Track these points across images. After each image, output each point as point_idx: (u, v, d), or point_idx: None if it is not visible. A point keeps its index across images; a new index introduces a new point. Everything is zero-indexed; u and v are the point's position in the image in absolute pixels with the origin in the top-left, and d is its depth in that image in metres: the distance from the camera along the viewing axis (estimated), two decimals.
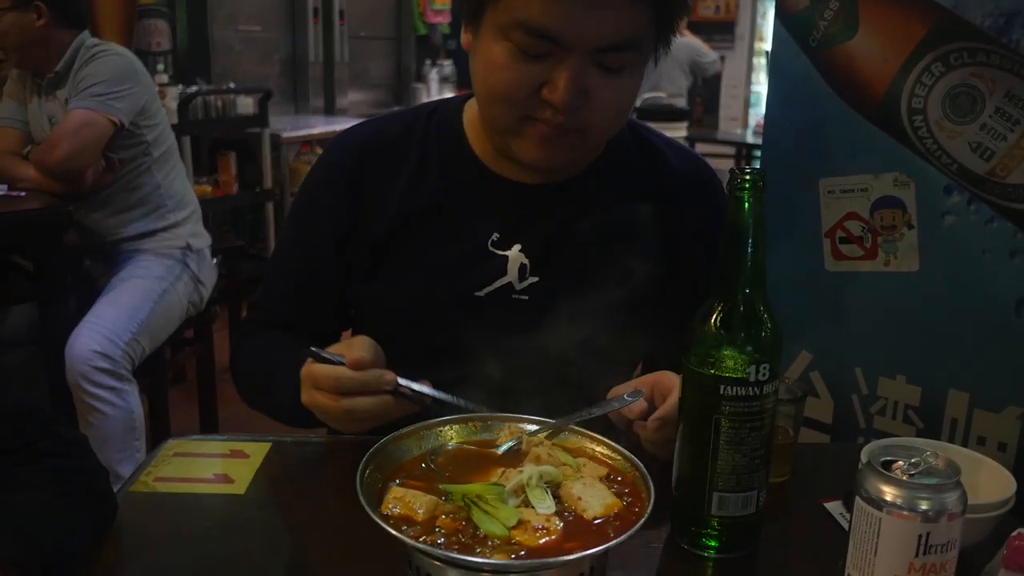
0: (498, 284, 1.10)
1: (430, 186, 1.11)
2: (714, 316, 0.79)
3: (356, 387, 0.89)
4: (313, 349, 0.92)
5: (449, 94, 6.47)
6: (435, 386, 0.93)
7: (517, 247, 1.10)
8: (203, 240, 2.57)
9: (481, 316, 1.10)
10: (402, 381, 0.90)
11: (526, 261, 1.10)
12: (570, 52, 0.95)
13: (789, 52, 1.17)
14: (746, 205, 0.78)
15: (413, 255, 1.11)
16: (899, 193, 1.12)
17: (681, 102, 5.96)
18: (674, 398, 0.88)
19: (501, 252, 1.10)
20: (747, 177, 0.78)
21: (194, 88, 4.16)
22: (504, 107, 1.00)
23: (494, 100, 1.01)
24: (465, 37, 1.05)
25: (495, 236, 1.10)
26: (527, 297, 1.10)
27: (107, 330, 2.17)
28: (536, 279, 1.10)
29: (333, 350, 0.92)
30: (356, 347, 0.92)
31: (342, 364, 0.90)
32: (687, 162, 1.18)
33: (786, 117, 1.20)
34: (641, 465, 0.77)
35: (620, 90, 1.01)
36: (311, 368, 0.93)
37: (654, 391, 0.96)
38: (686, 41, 5.83)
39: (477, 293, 1.10)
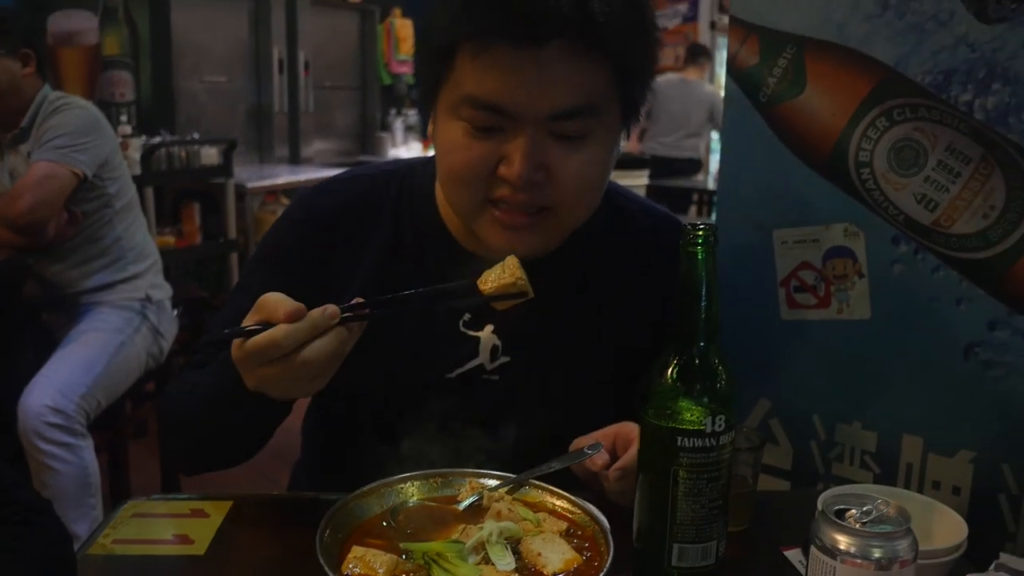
0: (469, 366, 1.07)
1: (404, 263, 1.08)
2: (670, 369, 0.81)
3: (306, 334, 0.80)
4: (228, 331, 0.84)
5: (414, 143, 6.53)
6: (397, 466, 0.90)
7: (489, 328, 1.08)
8: (163, 291, 2.55)
9: (450, 398, 1.06)
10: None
11: (498, 342, 1.07)
12: (522, 124, 0.93)
13: (741, 108, 1.20)
14: (699, 260, 0.80)
15: (382, 332, 1.03)
16: (849, 243, 1.15)
17: (695, 150, 6.17)
18: (635, 448, 0.89)
19: (473, 333, 1.08)
20: (700, 233, 0.80)
21: (158, 139, 4.16)
22: (464, 189, 0.98)
23: (454, 182, 0.99)
24: (429, 127, 1.03)
25: (467, 316, 1.08)
26: (498, 377, 1.08)
27: (61, 384, 2.13)
28: (508, 359, 1.08)
29: (245, 323, 0.83)
30: (271, 304, 0.82)
31: (263, 331, 0.80)
32: (662, 227, 1.15)
33: (740, 170, 1.23)
34: (601, 518, 0.78)
35: (584, 163, 0.96)
36: (244, 348, 0.82)
37: (616, 441, 0.96)
38: (712, 90, 6.10)
39: (448, 375, 1.07)
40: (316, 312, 0.81)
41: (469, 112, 0.94)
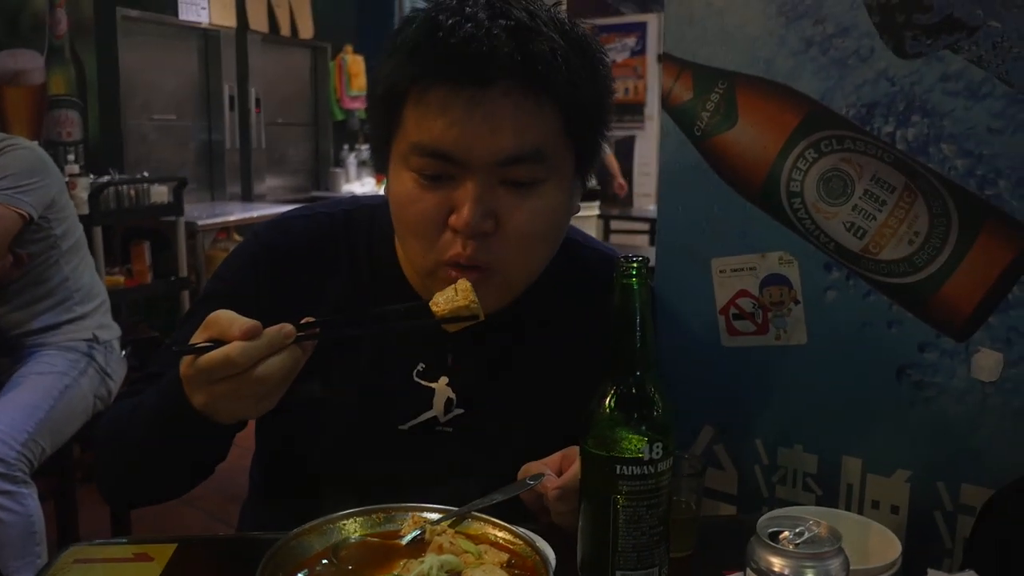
0: (423, 418, 1.06)
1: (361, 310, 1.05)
2: (608, 399, 0.82)
3: (262, 352, 0.79)
4: (176, 347, 0.83)
5: (368, 179, 6.54)
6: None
7: (444, 380, 1.06)
8: (111, 332, 2.52)
9: (402, 450, 1.06)
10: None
11: (452, 395, 1.06)
12: (471, 170, 0.92)
13: (677, 141, 1.24)
14: (633, 291, 0.82)
15: (333, 381, 1.04)
16: (784, 271, 1.18)
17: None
18: (575, 469, 0.89)
19: (427, 384, 1.06)
20: (634, 266, 0.82)
21: (106, 178, 4.11)
22: (419, 245, 0.97)
23: (408, 236, 0.98)
24: (385, 183, 1.02)
25: (420, 366, 1.07)
26: (451, 429, 1.07)
27: (0, 432, 2.09)
28: (462, 411, 1.07)
29: (195, 340, 0.82)
30: (223, 321, 0.81)
31: (214, 348, 0.79)
32: None
33: (677, 202, 1.26)
34: (541, 548, 0.79)
35: (533, 212, 0.95)
36: (197, 364, 0.80)
37: (562, 463, 0.96)
38: None
39: (401, 427, 1.06)
40: (272, 330, 0.80)
41: (417, 161, 0.94)
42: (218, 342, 0.80)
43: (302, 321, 0.84)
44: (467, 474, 1.03)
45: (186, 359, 0.82)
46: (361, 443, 1.06)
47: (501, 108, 0.91)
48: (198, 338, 0.82)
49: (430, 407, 1.07)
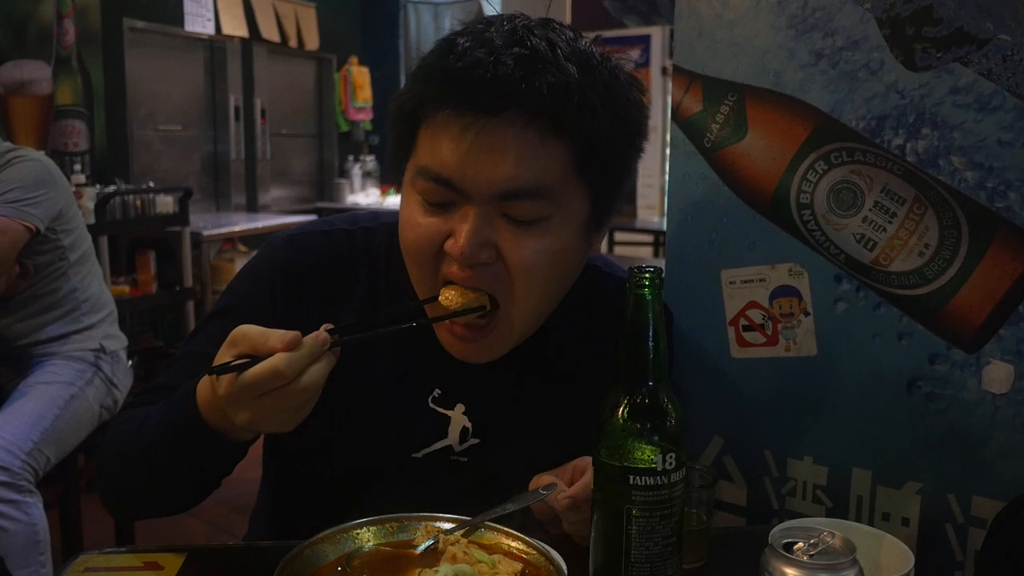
0: (437, 446, 1.05)
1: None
2: (620, 409, 0.82)
3: (306, 361, 0.78)
4: (213, 367, 0.80)
5: (373, 190, 6.55)
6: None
7: (460, 408, 1.05)
8: (118, 342, 2.52)
9: (415, 477, 1.04)
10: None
11: (469, 424, 1.05)
12: (472, 200, 0.90)
13: (686, 153, 1.24)
14: (646, 301, 0.82)
15: (347, 404, 1.03)
16: (794, 282, 1.18)
17: None
18: (587, 478, 0.88)
19: (442, 411, 1.05)
20: (647, 276, 0.82)
21: (112, 188, 4.13)
22: (417, 270, 0.96)
23: (409, 259, 0.97)
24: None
25: (436, 392, 1.05)
26: (466, 459, 1.06)
27: (5, 441, 2.08)
28: (477, 440, 1.06)
29: (219, 360, 0.81)
30: (254, 336, 0.80)
31: (253, 364, 0.78)
32: None
33: (687, 213, 1.26)
34: (556, 558, 0.79)
35: (536, 250, 0.92)
36: (241, 381, 0.78)
37: (574, 474, 0.96)
38: None
39: (414, 455, 1.05)
40: (309, 338, 0.80)
41: (422, 184, 0.93)
42: (253, 358, 0.79)
43: (322, 328, 0.83)
44: (479, 502, 1.00)
45: (224, 378, 0.80)
46: (373, 468, 1.05)
47: (504, 138, 0.89)
48: (225, 355, 0.81)
49: (445, 435, 1.05)
